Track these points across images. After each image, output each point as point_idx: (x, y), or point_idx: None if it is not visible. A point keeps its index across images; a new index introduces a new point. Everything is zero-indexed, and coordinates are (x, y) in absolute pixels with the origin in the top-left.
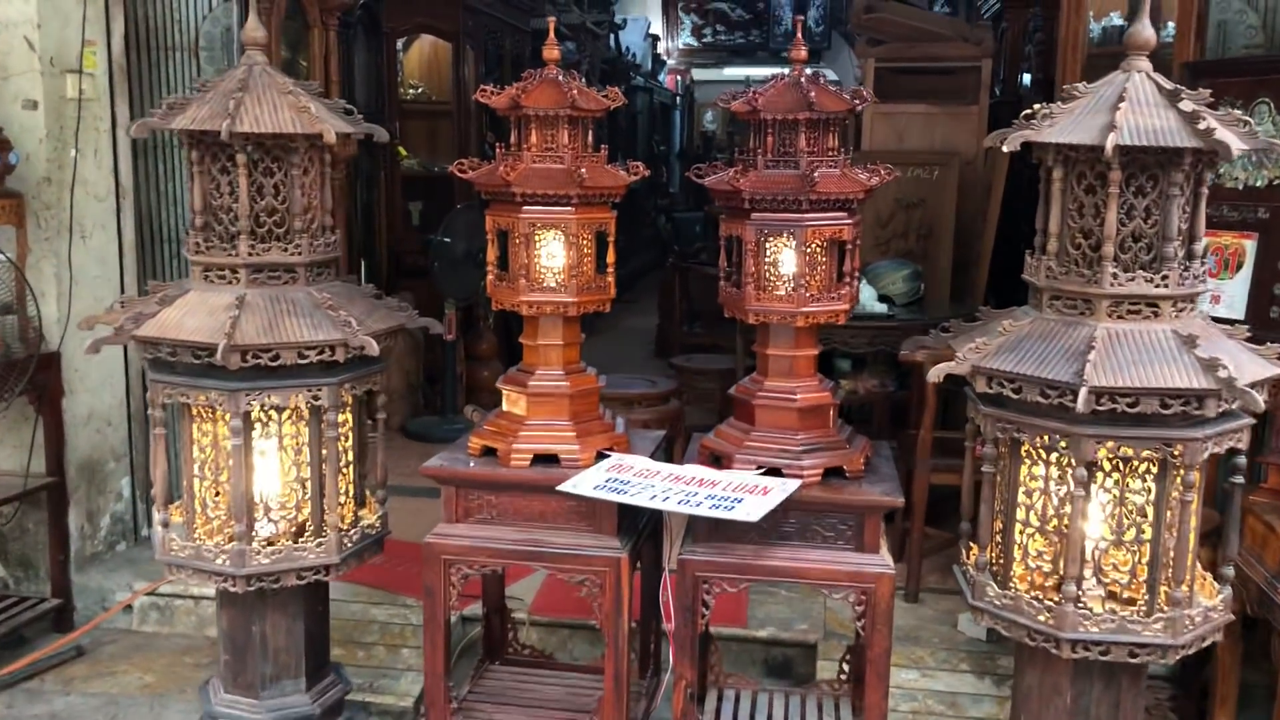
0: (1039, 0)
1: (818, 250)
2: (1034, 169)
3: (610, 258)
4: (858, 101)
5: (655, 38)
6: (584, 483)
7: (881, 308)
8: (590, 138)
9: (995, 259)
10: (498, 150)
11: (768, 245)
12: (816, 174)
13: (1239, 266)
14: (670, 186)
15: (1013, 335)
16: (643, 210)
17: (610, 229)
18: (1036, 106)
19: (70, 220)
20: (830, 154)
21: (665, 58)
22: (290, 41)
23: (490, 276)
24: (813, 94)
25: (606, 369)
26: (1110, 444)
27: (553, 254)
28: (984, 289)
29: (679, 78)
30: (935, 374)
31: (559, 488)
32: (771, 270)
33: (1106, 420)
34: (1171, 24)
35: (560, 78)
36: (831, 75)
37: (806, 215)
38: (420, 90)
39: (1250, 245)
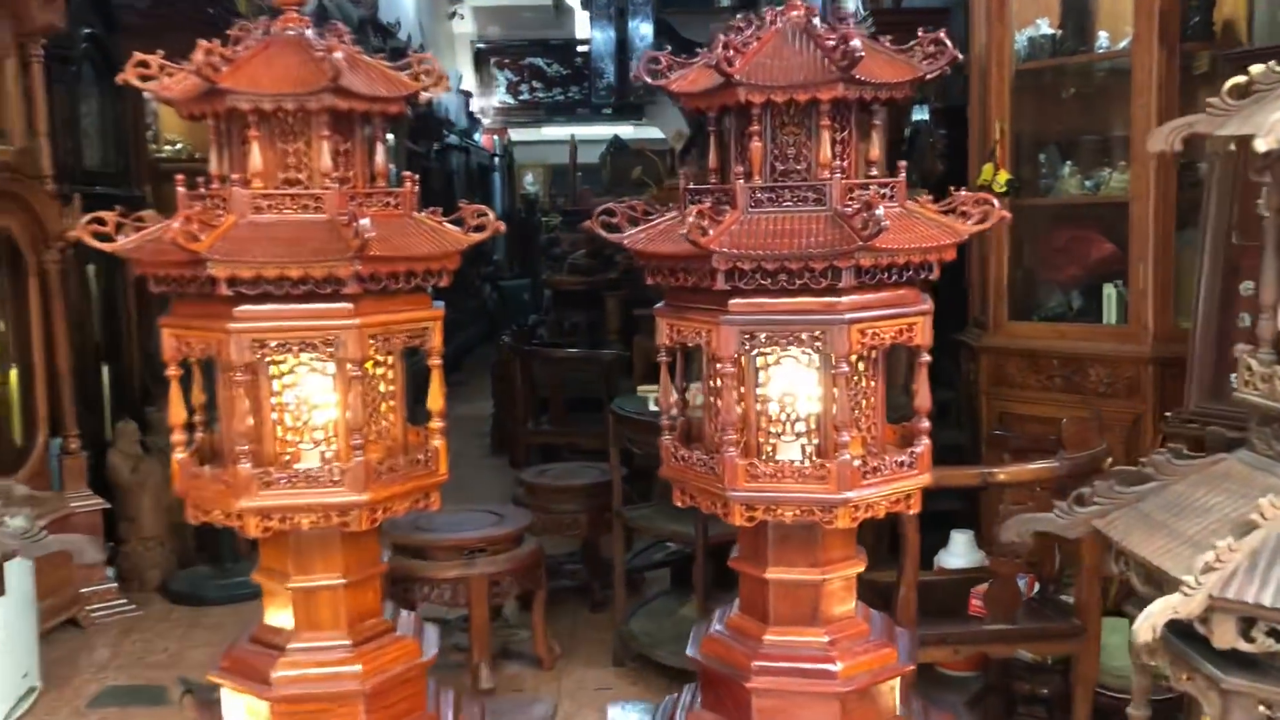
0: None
1: (864, 372)
2: None
3: (437, 401)
4: (929, 62)
5: (468, 94)
6: None
7: None
8: (383, 160)
9: None
10: (179, 195)
11: (764, 363)
12: (878, 212)
13: None
14: (495, 253)
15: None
16: (467, 277)
17: (434, 341)
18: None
19: None
20: (874, 172)
21: (481, 117)
22: None
23: (178, 456)
24: (845, 51)
25: None
26: None
27: (309, 403)
28: None
29: (496, 138)
30: (1146, 627)
31: None
32: (767, 413)
33: None
34: None
35: (310, 34)
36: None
37: (843, 299)
38: (180, 147)
39: None
